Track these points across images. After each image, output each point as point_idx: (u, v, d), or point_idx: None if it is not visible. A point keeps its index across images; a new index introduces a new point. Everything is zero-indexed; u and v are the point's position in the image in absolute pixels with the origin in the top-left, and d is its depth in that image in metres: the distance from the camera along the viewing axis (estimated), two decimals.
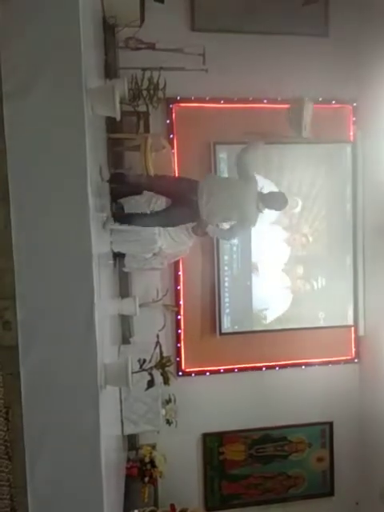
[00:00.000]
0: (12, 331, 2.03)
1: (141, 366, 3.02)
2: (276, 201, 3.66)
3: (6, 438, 2.04)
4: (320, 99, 4.72)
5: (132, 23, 3.99)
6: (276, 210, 3.78)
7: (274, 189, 4.42)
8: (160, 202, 3.50)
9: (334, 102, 4.77)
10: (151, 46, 4.20)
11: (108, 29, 3.93)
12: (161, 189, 3.57)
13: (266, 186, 4.49)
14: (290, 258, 4.82)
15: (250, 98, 4.65)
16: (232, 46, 4.51)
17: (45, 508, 2.09)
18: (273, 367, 4.80)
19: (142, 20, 4.07)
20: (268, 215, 4.07)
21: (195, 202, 3.48)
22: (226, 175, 4.63)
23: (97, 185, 2.54)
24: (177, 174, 4.41)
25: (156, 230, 3.69)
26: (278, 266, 4.81)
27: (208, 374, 4.72)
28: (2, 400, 2.04)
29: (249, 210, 3.56)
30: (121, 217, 3.43)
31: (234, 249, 4.72)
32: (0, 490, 2.07)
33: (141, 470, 4.13)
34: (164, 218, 3.54)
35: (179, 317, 4.66)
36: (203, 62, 4.26)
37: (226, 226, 3.96)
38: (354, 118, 4.84)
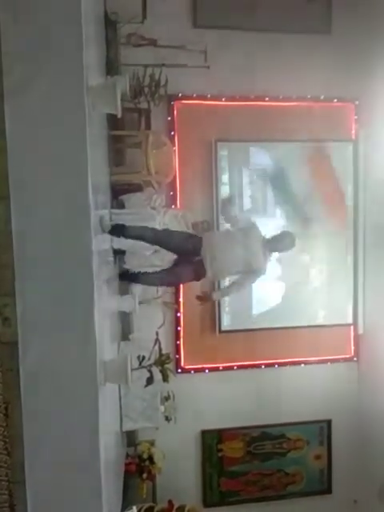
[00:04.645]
0: (12, 328, 2.04)
1: (140, 363, 3.04)
2: (282, 242, 3.47)
3: (5, 433, 2.05)
4: (322, 97, 4.73)
5: (134, 19, 3.98)
6: (284, 251, 3.57)
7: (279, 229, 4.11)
8: (160, 201, 3.49)
9: (335, 100, 4.76)
10: (153, 43, 4.20)
11: (110, 25, 3.93)
12: (166, 246, 3.53)
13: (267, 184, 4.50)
14: (290, 257, 4.81)
15: (252, 96, 4.64)
16: (234, 44, 4.49)
17: (43, 503, 2.10)
18: (272, 365, 4.81)
19: (144, 16, 4.07)
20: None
21: (200, 261, 3.41)
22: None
23: (97, 182, 2.54)
24: (179, 181, 4.43)
25: (156, 226, 3.69)
26: (279, 264, 4.80)
27: (207, 371, 4.73)
28: (2, 396, 2.04)
29: (256, 261, 3.41)
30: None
31: None
32: None
33: (139, 467, 4.13)
34: (170, 275, 3.61)
35: (179, 314, 4.66)
36: (205, 59, 4.26)
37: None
38: (356, 116, 4.82)
